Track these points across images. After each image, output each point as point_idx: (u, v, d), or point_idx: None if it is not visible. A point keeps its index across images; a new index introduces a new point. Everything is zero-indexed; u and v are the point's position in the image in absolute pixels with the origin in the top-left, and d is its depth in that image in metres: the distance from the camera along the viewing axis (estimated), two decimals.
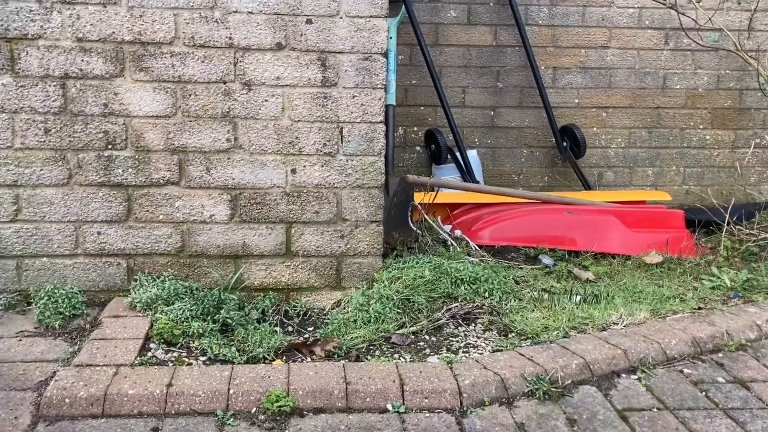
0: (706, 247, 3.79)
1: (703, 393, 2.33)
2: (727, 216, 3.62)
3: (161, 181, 2.85)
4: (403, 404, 2.20)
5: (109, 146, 2.81)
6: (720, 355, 2.61)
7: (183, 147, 2.84)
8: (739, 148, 4.69)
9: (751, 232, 3.55)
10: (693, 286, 3.17)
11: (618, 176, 4.63)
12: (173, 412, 2.15)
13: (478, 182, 4.19)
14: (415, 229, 3.49)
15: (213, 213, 2.89)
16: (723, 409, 2.22)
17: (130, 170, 2.83)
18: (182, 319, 2.63)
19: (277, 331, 2.67)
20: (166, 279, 2.85)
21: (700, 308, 2.92)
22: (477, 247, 3.49)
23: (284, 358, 2.51)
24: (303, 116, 2.88)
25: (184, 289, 2.80)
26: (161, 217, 2.87)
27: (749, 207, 4.21)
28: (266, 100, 2.86)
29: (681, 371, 2.48)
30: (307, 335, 2.74)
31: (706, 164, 4.69)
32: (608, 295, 2.99)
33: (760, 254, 3.49)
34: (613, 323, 2.74)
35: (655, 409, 2.22)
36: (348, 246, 2.97)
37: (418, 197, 3.67)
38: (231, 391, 2.20)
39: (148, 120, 2.82)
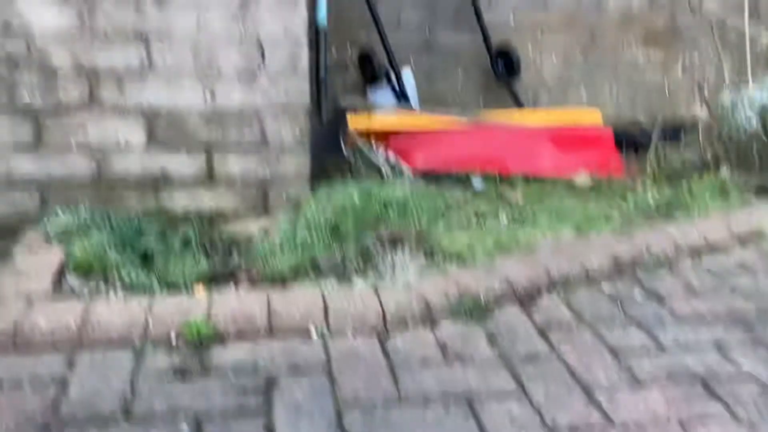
0: (635, 167, 3.85)
1: (620, 308, 2.40)
2: (655, 137, 3.67)
3: (71, 104, 2.69)
4: (328, 329, 2.19)
5: (13, 67, 2.62)
6: (639, 271, 2.69)
7: (93, 68, 2.67)
8: (670, 69, 4.72)
9: (676, 154, 3.62)
10: (618, 205, 3.23)
11: (552, 96, 4.62)
12: (90, 344, 2.08)
13: (412, 104, 4.12)
14: (347, 155, 3.42)
15: (129, 139, 2.76)
16: (637, 323, 2.29)
17: (37, 93, 2.66)
18: (99, 249, 2.53)
19: (200, 260, 2.60)
20: (83, 208, 2.74)
21: (623, 227, 2.98)
22: (410, 173, 3.46)
23: (207, 286, 2.45)
24: (220, 34, 2.73)
25: (101, 218, 2.69)
26: (74, 143, 2.72)
27: (677, 128, 4.28)
28: (180, 17, 2.69)
29: (601, 288, 2.55)
30: (232, 263, 2.68)
31: (639, 85, 4.72)
32: (535, 217, 3.02)
33: (683, 174, 3.57)
34: (538, 244, 2.78)
35: (573, 325, 2.27)
36: (274, 172, 2.89)
37: (352, 122, 3.59)
38: (150, 321, 2.14)
39: (53, 38, 2.62)
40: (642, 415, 1.77)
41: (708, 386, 1.91)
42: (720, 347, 2.13)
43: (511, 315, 2.32)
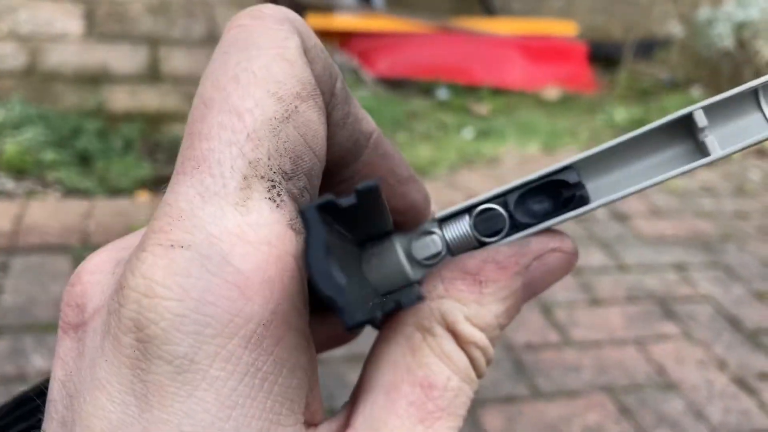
0: (605, 82, 3.75)
1: (585, 228, 2.35)
2: (627, 52, 3.55)
3: None
4: None
5: None
6: None
7: None
8: None
9: (648, 71, 3.51)
10: (587, 121, 3.14)
11: (525, 5, 4.42)
12: (25, 247, 1.94)
13: (376, 5, 3.89)
14: None
15: (65, 28, 2.51)
16: (600, 243, 2.25)
17: None
18: (34, 147, 2.35)
19: (143, 163, 2.44)
20: (15, 102, 2.51)
21: (590, 144, 2.90)
22: (372, 78, 3.28)
23: (150, 191, 2.31)
24: None
25: (36, 114, 2.48)
26: (4, 30, 2.46)
27: (650, 43, 4.16)
28: None
29: None
30: None
31: None
32: (501, 130, 2.91)
33: (654, 92, 3.48)
34: (503, 158, 2.68)
35: None
36: None
37: (312, 21, 3.35)
38: (90, 225, 2.01)
39: None
40: (599, 334, 1.74)
41: (666, 306, 1.89)
42: (680, 268, 2.10)
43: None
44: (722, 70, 3.47)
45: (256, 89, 0.22)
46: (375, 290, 0.25)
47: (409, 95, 3.30)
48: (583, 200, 0.27)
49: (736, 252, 2.22)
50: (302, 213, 0.18)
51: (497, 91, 3.44)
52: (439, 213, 0.29)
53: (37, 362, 1.53)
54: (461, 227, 0.28)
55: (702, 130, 0.25)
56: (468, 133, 2.89)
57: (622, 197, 0.27)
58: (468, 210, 0.28)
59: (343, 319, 0.17)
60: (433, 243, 0.28)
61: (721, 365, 1.67)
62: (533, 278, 0.26)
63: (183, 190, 0.21)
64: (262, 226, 0.20)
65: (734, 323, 1.84)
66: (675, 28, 3.86)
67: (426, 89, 3.41)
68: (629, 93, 3.46)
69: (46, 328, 1.63)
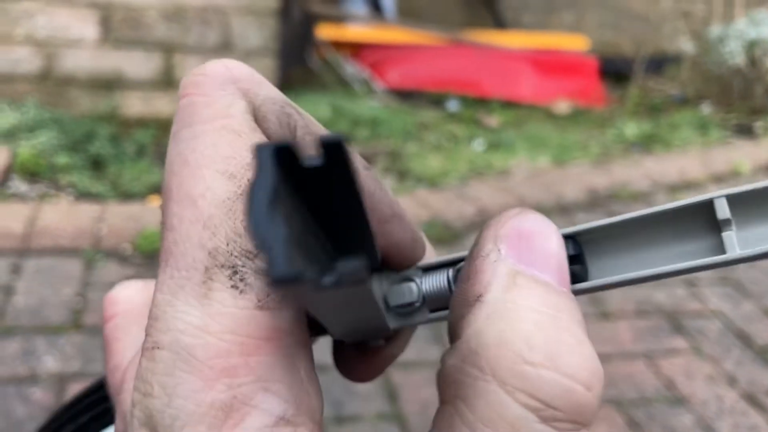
0: (616, 98, 3.75)
1: None
2: (637, 67, 3.55)
3: None
4: None
5: None
6: (614, 203, 2.63)
7: None
8: None
9: (658, 87, 3.52)
10: (597, 136, 3.14)
11: (536, 19, 4.44)
12: (37, 249, 1.96)
13: (388, 16, 3.91)
14: (315, 65, 3.24)
15: (81, 33, 2.53)
16: None
17: None
18: (48, 151, 2.37)
19: (155, 169, 2.45)
20: (30, 106, 2.54)
21: (600, 158, 2.91)
22: (382, 89, 3.30)
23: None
24: None
25: (50, 118, 2.50)
26: (21, 35, 2.49)
27: (660, 59, 4.17)
28: None
29: (575, 219, 2.48)
30: None
31: (625, 12, 4.56)
32: (511, 143, 2.92)
33: (664, 108, 3.49)
34: (513, 171, 2.69)
35: None
36: None
37: (323, 32, 3.38)
38: (102, 229, 2.02)
39: None
40: (608, 348, 1.74)
41: (675, 321, 1.89)
42: (690, 283, 2.10)
43: None
44: (733, 87, 3.48)
45: (206, 170, 0.21)
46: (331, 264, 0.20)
47: (420, 106, 3.31)
48: (576, 277, 0.23)
49: (747, 268, 2.21)
50: (256, 150, 0.16)
51: (507, 104, 3.45)
52: (423, 261, 0.27)
53: (48, 363, 1.54)
54: (440, 280, 0.26)
55: (723, 222, 0.22)
56: (478, 144, 2.90)
57: (618, 283, 0.23)
58: (453, 263, 0.26)
59: (268, 270, 0.14)
60: (409, 291, 0.26)
61: (731, 381, 1.67)
62: None
63: (159, 287, 0.21)
64: (225, 315, 0.20)
65: (744, 339, 1.84)
66: (686, 45, 3.87)
67: (436, 101, 3.42)
68: (639, 109, 3.46)
69: (58, 330, 1.63)
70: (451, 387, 0.21)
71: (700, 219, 0.23)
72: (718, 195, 0.22)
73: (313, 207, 0.19)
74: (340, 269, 0.15)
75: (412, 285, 0.26)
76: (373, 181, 0.25)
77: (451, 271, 0.25)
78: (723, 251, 0.22)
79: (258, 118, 0.23)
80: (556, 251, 0.22)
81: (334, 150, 0.17)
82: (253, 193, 0.15)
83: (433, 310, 0.26)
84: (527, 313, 0.20)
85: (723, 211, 0.22)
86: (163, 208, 0.22)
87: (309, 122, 0.24)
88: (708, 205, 0.22)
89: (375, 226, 0.23)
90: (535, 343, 0.20)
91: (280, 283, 0.14)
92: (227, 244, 0.21)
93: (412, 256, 0.27)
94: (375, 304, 0.24)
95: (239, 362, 0.20)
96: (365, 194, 0.23)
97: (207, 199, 0.21)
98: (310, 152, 0.17)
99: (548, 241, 0.22)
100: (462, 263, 0.24)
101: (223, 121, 0.22)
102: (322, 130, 0.24)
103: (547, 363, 0.19)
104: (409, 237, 0.26)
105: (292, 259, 0.15)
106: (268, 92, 0.24)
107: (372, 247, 0.21)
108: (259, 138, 0.22)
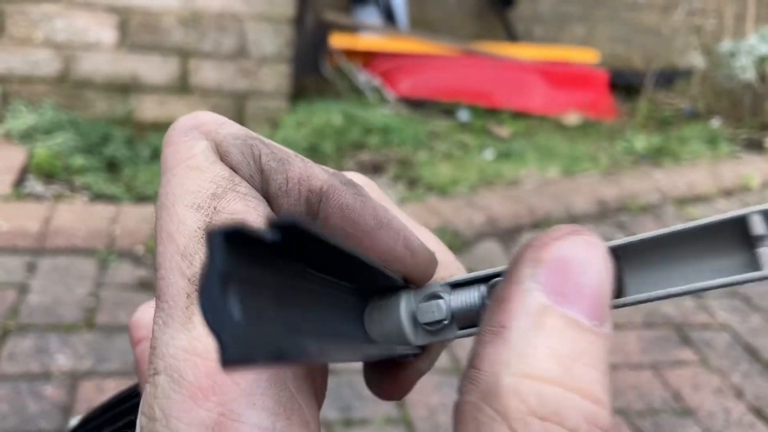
0: (626, 110, 3.77)
1: None
2: (648, 81, 3.57)
3: None
4: None
5: None
6: (623, 215, 2.64)
7: None
8: (670, 12, 4.58)
9: (668, 101, 3.53)
10: (607, 148, 3.15)
11: (547, 32, 4.47)
12: (52, 249, 1.98)
13: (400, 26, 3.94)
14: (328, 73, 3.27)
15: (99, 37, 2.57)
16: None
17: None
18: (64, 152, 2.40)
19: None
20: (47, 108, 2.57)
21: (610, 170, 2.92)
22: (394, 98, 3.32)
23: None
24: None
25: (67, 120, 2.53)
26: (40, 37, 2.53)
27: (671, 73, 4.18)
28: None
29: None
30: None
31: (636, 26, 4.58)
32: (521, 153, 2.94)
33: (674, 121, 3.50)
34: (523, 180, 2.70)
35: None
36: (252, 84, 2.74)
37: (336, 41, 3.41)
38: (116, 230, 2.04)
39: None
40: (616, 358, 1.74)
41: (682, 333, 1.89)
42: (697, 296, 2.11)
43: (490, 250, 2.27)
44: (743, 102, 3.49)
45: (178, 207, 0.23)
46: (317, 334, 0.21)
47: (431, 116, 3.34)
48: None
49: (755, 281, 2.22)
50: (207, 235, 0.16)
51: (518, 115, 3.46)
52: (453, 278, 0.26)
53: (60, 361, 1.56)
54: (469, 297, 0.25)
55: (758, 238, 0.22)
56: (489, 154, 2.92)
57: (655, 298, 0.23)
58: (485, 279, 0.25)
59: (219, 355, 0.15)
60: (438, 309, 0.26)
61: (738, 394, 1.67)
62: None
63: (155, 320, 0.23)
64: (207, 336, 0.21)
65: (752, 353, 1.84)
66: (697, 60, 3.88)
67: (447, 110, 3.44)
68: (649, 122, 3.47)
69: (71, 329, 1.65)
70: (470, 425, 0.21)
71: (731, 234, 0.22)
72: (754, 211, 0.22)
73: (287, 265, 0.19)
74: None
75: (441, 302, 0.26)
76: (352, 196, 0.25)
77: (484, 288, 0.25)
78: (756, 267, 0.22)
79: (221, 153, 0.25)
80: (595, 283, 0.21)
81: (288, 229, 0.17)
82: (204, 279, 0.15)
83: (462, 327, 0.26)
84: (545, 362, 0.20)
85: (758, 226, 0.21)
86: (155, 248, 0.24)
87: (274, 149, 0.26)
88: (740, 221, 0.22)
89: (362, 239, 0.25)
90: (547, 399, 0.20)
91: (230, 367, 0.15)
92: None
93: (413, 263, 0.27)
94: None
95: (225, 380, 0.21)
96: (341, 215, 0.24)
97: (181, 232, 0.23)
98: (266, 228, 0.17)
99: (588, 270, 0.21)
100: (497, 279, 0.24)
101: (187, 162, 0.24)
102: (288, 155, 0.26)
103: (555, 418, 0.20)
104: (399, 244, 0.26)
105: (242, 341, 0.15)
106: (230, 129, 0.26)
107: (370, 268, 0.22)
108: (221, 168, 0.24)
